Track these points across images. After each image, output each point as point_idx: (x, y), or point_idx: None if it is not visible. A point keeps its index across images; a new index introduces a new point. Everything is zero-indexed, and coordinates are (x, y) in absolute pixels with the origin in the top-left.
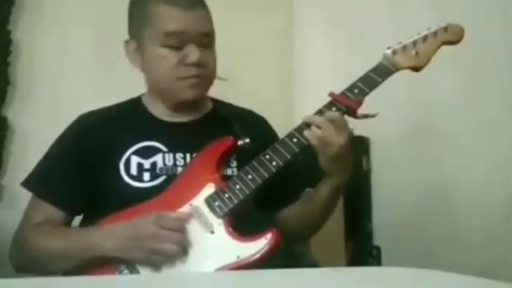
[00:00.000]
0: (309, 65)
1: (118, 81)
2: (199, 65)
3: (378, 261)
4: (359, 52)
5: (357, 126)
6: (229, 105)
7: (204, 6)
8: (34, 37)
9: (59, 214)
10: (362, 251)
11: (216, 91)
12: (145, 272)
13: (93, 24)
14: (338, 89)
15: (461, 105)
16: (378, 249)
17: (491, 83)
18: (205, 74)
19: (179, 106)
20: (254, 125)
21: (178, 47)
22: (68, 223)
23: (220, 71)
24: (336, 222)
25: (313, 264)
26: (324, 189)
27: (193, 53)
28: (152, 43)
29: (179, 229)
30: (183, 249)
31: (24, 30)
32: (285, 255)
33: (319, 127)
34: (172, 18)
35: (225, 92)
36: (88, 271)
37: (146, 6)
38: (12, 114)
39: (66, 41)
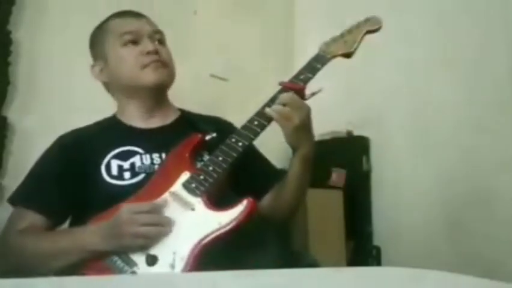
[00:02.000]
0: None
1: None
2: (156, 52)
3: (378, 261)
4: (360, 52)
5: (357, 127)
6: (197, 114)
7: (148, 18)
8: (35, 37)
9: (42, 221)
10: (362, 251)
11: (216, 91)
12: (135, 257)
13: (93, 24)
14: (338, 89)
15: (461, 105)
16: (378, 249)
17: (492, 83)
18: (164, 61)
19: (150, 100)
20: (221, 128)
21: (135, 43)
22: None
23: (220, 71)
24: (336, 222)
25: (314, 264)
26: (294, 163)
27: (148, 44)
28: (114, 47)
29: (151, 210)
30: (163, 228)
31: (25, 30)
32: (284, 255)
33: (284, 104)
34: (126, 23)
35: (225, 92)
36: (82, 266)
37: (103, 27)
38: (12, 114)
39: (66, 40)
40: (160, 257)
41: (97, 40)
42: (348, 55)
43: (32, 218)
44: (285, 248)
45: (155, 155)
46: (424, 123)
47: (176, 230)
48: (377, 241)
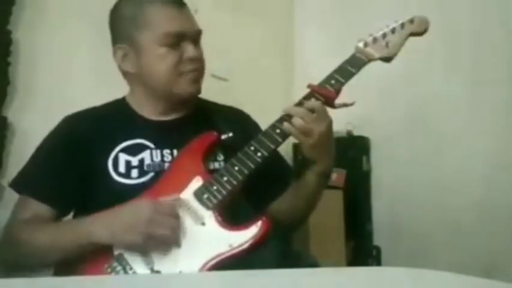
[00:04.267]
0: (309, 65)
1: (118, 81)
2: (196, 59)
3: (378, 261)
4: None
5: (357, 127)
6: (212, 103)
7: (188, 7)
8: (34, 37)
9: (47, 211)
10: (362, 251)
11: (217, 91)
12: (140, 270)
13: (93, 24)
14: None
15: (461, 106)
16: (378, 249)
17: (493, 82)
18: (201, 67)
19: (175, 105)
20: (238, 121)
21: (175, 45)
22: (55, 221)
23: (220, 70)
24: (336, 222)
25: (314, 264)
26: (310, 177)
27: (190, 49)
28: (151, 44)
29: (174, 215)
30: (177, 237)
31: (25, 30)
32: (284, 255)
33: (299, 117)
34: (170, 19)
35: (225, 92)
36: (80, 267)
37: (138, 9)
38: (12, 114)
39: (66, 40)
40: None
41: (128, 22)
42: (388, 59)
43: (37, 208)
44: (285, 247)
45: (166, 151)
46: (424, 123)
47: (184, 245)
48: (377, 241)
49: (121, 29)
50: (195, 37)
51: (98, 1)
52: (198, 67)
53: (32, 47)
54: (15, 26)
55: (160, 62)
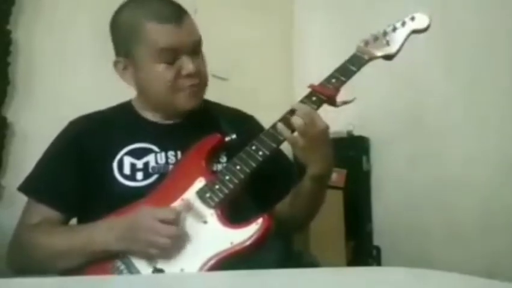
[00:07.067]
0: (309, 64)
1: (118, 81)
2: (194, 75)
3: (378, 261)
4: None
5: (357, 127)
6: (217, 104)
7: (189, 15)
8: (34, 37)
9: (55, 215)
10: (362, 251)
11: (217, 90)
12: (142, 269)
13: (92, 24)
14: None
15: (461, 106)
16: (378, 249)
17: (493, 83)
18: (201, 82)
19: (175, 114)
20: (242, 122)
21: (172, 61)
22: (64, 224)
23: (220, 70)
24: (336, 222)
25: (314, 264)
26: (305, 181)
27: (187, 65)
28: (147, 61)
29: (174, 222)
30: (178, 243)
31: (24, 30)
32: (284, 255)
33: (302, 117)
34: (164, 35)
35: (225, 92)
36: (86, 269)
37: (135, 25)
38: (12, 114)
39: (66, 41)
40: (167, 272)
41: (125, 36)
42: (389, 57)
43: (46, 212)
44: (286, 247)
45: (171, 153)
46: (424, 123)
47: (187, 244)
48: (377, 241)
49: (119, 42)
50: (194, 48)
51: (98, 1)
52: (197, 82)
53: (32, 47)
54: (15, 26)
55: (157, 80)
